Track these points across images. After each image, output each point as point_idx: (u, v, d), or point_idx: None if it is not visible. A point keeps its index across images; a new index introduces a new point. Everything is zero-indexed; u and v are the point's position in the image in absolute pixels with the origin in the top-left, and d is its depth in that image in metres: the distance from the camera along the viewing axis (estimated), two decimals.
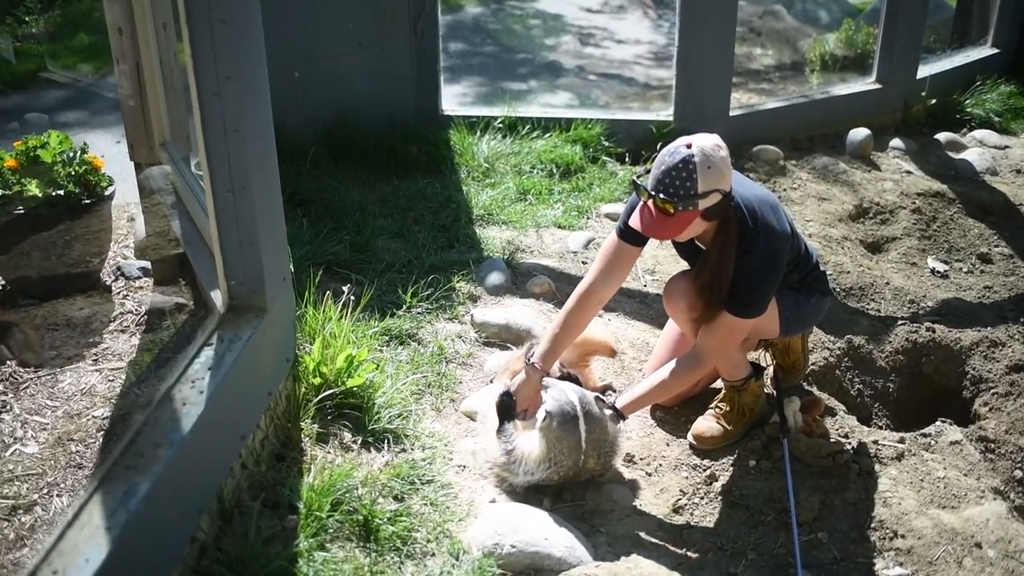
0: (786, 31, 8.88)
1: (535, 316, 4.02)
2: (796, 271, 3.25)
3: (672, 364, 3.15)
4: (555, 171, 5.45)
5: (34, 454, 2.95)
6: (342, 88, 5.59)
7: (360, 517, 2.62)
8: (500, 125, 5.81)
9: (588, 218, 5.04)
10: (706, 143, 2.82)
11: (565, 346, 3.22)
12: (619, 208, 5.15)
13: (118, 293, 4.05)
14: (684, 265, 3.45)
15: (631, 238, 3.12)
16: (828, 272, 3.56)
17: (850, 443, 3.40)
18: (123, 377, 3.44)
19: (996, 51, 7.87)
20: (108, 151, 5.43)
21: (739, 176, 3.07)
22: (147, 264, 4.16)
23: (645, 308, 4.26)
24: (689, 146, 2.80)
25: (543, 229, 4.84)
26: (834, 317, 4.33)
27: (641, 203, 2.93)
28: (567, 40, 9.62)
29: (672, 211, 2.81)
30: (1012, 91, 7.51)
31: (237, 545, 2.39)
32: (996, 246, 5.51)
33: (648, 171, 2.94)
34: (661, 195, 2.80)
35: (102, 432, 3.11)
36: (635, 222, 2.93)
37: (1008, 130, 7.17)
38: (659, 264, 4.61)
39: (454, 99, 6.55)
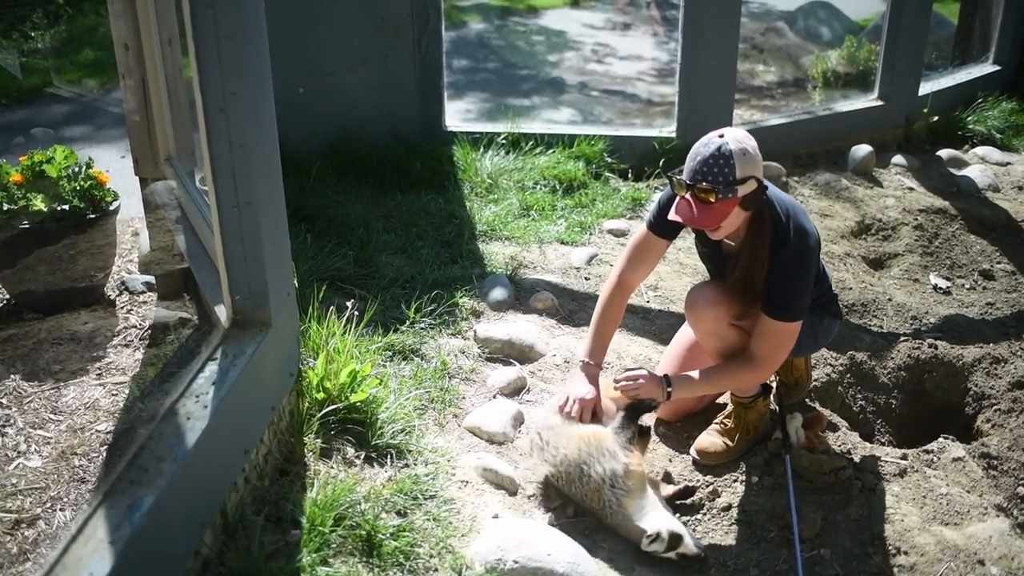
0: (788, 48, 8.93)
1: (538, 332, 4.02)
2: (814, 289, 3.26)
3: (729, 363, 3.20)
4: (558, 187, 5.46)
5: (38, 468, 2.96)
6: (346, 104, 5.62)
7: (363, 532, 2.62)
8: (503, 141, 5.83)
9: (591, 234, 5.05)
10: (737, 132, 2.93)
11: (609, 337, 3.34)
12: (622, 224, 5.16)
13: (122, 307, 4.07)
14: (689, 282, 3.46)
15: (661, 231, 3.22)
16: (836, 293, 3.57)
17: (852, 459, 3.40)
18: (127, 391, 3.45)
19: (997, 68, 7.89)
20: (113, 166, 5.47)
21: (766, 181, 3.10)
22: (151, 279, 4.18)
23: (648, 324, 4.27)
24: (721, 135, 2.90)
25: (546, 245, 4.85)
26: (837, 333, 4.33)
27: (679, 198, 2.97)
28: (570, 56, 9.66)
29: (713, 199, 2.87)
30: (1014, 108, 7.52)
31: (240, 559, 2.39)
32: (998, 262, 5.52)
33: (679, 170, 2.99)
34: (704, 183, 2.86)
35: (106, 446, 3.12)
36: (675, 215, 2.97)
37: (1010, 147, 7.18)
38: (661, 280, 4.62)
39: (458, 115, 6.58)
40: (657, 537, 2.85)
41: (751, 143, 2.92)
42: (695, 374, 3.19)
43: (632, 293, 3.43)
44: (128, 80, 4.13)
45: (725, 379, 3.24)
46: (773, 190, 3.09)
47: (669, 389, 3.13)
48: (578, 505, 3.05)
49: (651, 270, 3.42)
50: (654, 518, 2.91)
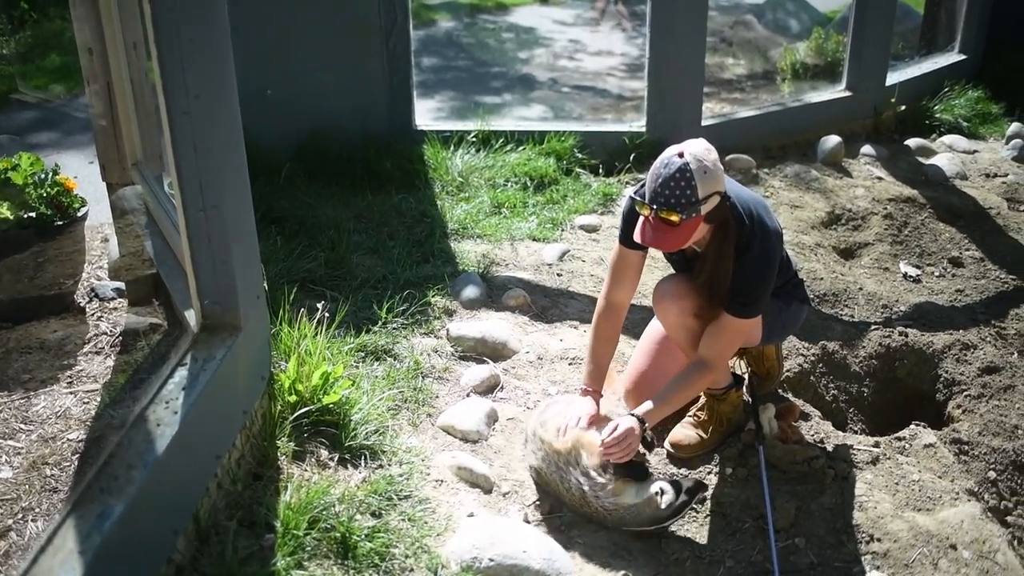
0: (757, 41, 8.95)
1: (511, 329, 4.02)
2: (779, 277, 3.28)
3: (682, 374, 3.17)
4: (529, 184, 5.47)
5: (8, 479, 2.93)
6: (315, 105, 5.60)
7: (338, 534, 2.62)
8: (474, 139, 5.82)
9: (563, 230, 5.06)
10: (696, 148, 2.86)
11: (606, 360, 3.30)
12: (594, 219, 5.17)
13: (92, 315, 4.04)
14: (660, 276, 3.47)
15: (632, 244, 3.13)
16: (802, 279, 3.60)
17: (825, 448, 3.42)
18: (98, 399, 3.42)
19: (963, 57, 7.97)
20: (81, 172, 5.43)
21: (728, 179, 3.09)
22: (121, 285, 4.15)
23: None
24: (681, 155, 2.83)
25: (518, 242, 4.86)
26: (808, 323, 4.36)
27: (642, 219, 2.94)
28: (540, 53, 9.65)
29: (677, 221, 2.83)
30: (980, 96, 7.60)
31: (214, 565, 2.38)
32: (967, 250, 5.57)
33: (640, 184, 2.96)
34: (665, 207, 2.82)
35: (77, 455, 3.09)
36: (639, 237, 2.94)
37: (976, 135, 7.25)
38: None
39: (428, 114, 6.57)
40: (662, 492, 2.93)
41: (711, 158, 2.87)
42: (658, 400, 3.11)
43: (625, 311, 3.34)
44: (93, 85, 4.09)
45: (686, 389, 3.17)
46: (734, 188, 3.08)
47: (645, 426, 3.04)
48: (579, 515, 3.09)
49: (636, 284, 3.32)
50: (648, 486, 2.97)
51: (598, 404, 3.21)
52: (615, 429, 2.97)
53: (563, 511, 3.05)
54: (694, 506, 3.10)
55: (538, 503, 3.09)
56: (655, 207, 2.84)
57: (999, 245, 5.60)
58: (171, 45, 2.48)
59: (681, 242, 2.91)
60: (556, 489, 3.08)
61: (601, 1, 10.09)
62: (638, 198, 2.93)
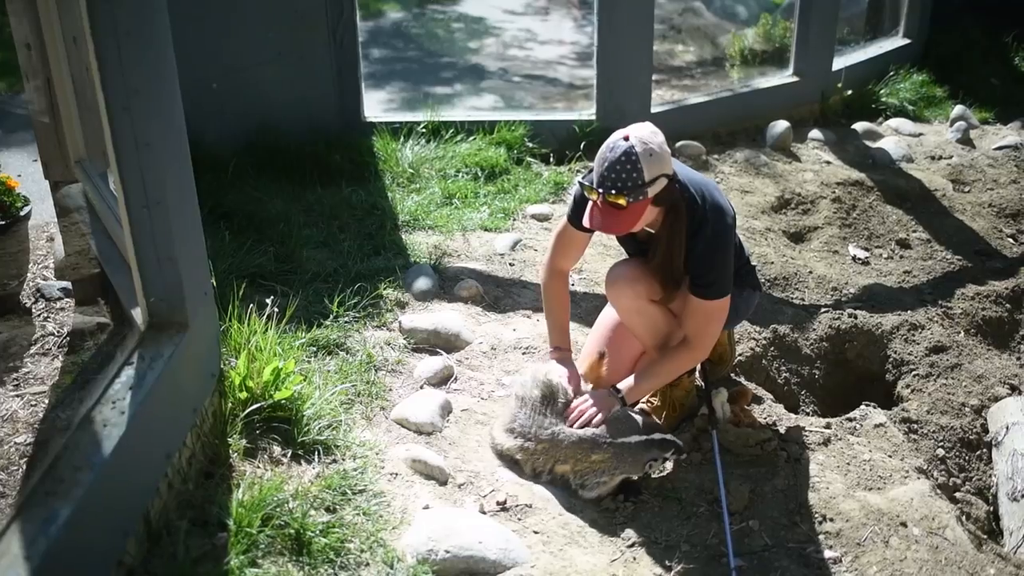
0: (706, 27, 8.99)
1: (464, 320, 4.02)
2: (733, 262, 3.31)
3: (668, 352, 3.24)
4: (480, 174, 5.45)
5: None
6: (262, 98, 5.54)
7: (292, 531, 2.60)
8: (424, 130, 5.80)
9: (514, 220, 5.06)
10: (642, 132, 2.89)
11: (565, 320, 3.44)
12: (545, 208, 5.18)
13: (38, 315, 3.97)
14: (611, 261, 3.48)
15: (580, 226, 3.19)
16: (755, 265, 3.63)
17: (778, 431, 3.46)
18: (46, 401, 3.37)
19: (907, 41, 8.07)
20: (25, 170, 5.33)
21: (678, 163, 3.12)
22: (68, 284, 4.08)
23: (573, 307, 4.26)
24: (627, 138, 2.86)
25: (469, 232, 4.85)
26: (759, 307, 4.39)
27: (590, 204, 2.96)
28: (491, 43, 9.63)
29: (624, 204, 2.86)
30: (924, 80, 7.71)
31: (166, 566, 2.35)
32: (914, 231, 5.64)
33: (589, 170, 2.98)
34: (612, 191, 2.85)
35: (25, 459, 3.04)
36: (588, 222, 2.97)
37: (922, 118, 7.35)
38: (586, 263, 4.64)
39: (379, 105, 6.52)
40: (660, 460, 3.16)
41: (657, 140, 2.90)
42: (640, 376, 3.23)
43: (568, 274, 3.49)
44: (33, 81, 4.01)
45: (668, 367, 3.23)
46: (685, 172, 3.11)
47: (621, 396, 3.19)
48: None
49: (579, 256, 3.47)
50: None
51: (570, 360, 3.36)
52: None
53: (518, 499, 3.05)
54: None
55: (493, 492, 3.09)
56: (602, 191, 2.87)
57: (945, 226, 5.69)
58: (108, 38, 2.43)
59: (629, 225, 2.93)
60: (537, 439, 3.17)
61: None
62: (586, 183, 2.95)
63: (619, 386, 3.21)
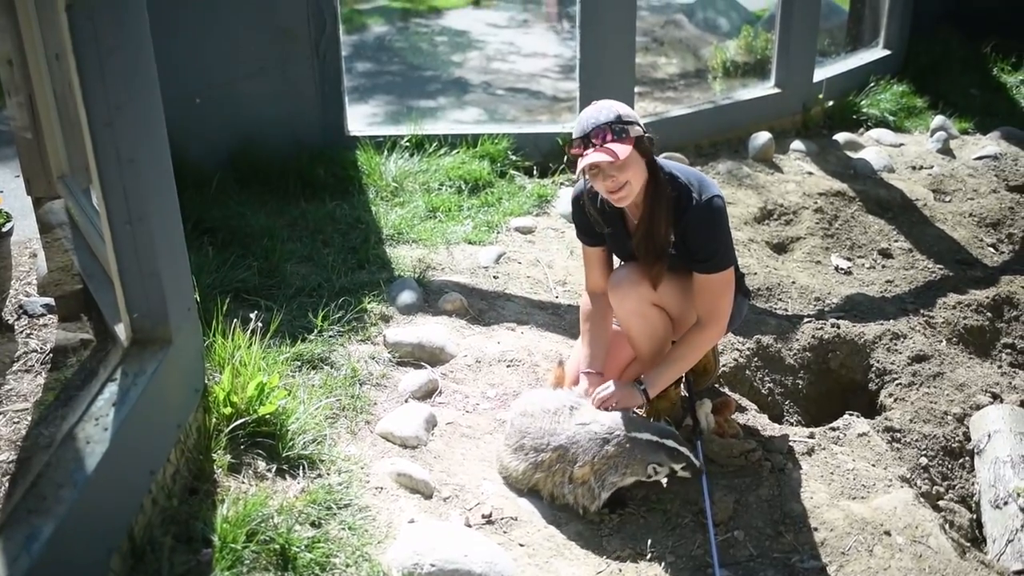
0: (688, 40, 9.05)
1: (448, 333, 4.02)
2: None
3: (684, 338, 3.31)
4: (464, 187, 5.47)
5: None
6: (245, 113, 5.54)
7: (277, 546, 2.59)
8: (407, 144, 5.80)
9: (498, 233, 5.07)
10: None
11: (605, 341, 3.45)
12: (529, 221, 5.20)
13: (21, 332, 3.95)
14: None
15: (589, 241, 3.43)
16: (743, 272, 3.65)
17: (762, 441, 3.47)
18: (29, 418, 3.35)
19: (888, 52, 8.13)
20: (8, 187, 5.30)
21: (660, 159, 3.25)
22: (51, 301, 4.06)
23: (557, 319, 4.30)
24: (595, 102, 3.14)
25: (453, 246, 4.85)
26: (745, 318, 4.42)
27: (581, 160, 3.06)
28: (474, 56, 9.66)
29: (610, 137, 3.01)
30: (904, 90, 7.77)
31: None
32: (896, 241, 5.68)
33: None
34: (595, 128, 3.02)
35: (7, 477, 3.02)
36: (583, 172, 3.10)
37: (902, 128, 7.40)
38: (570, 275, 4.66)
39: (363, 119, 6.54)
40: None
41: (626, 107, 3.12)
42: (661, 365, 3.30)
43: (606, 297, 3.45)
44: (15, 97, 4.00)
45: (687, 351, 3.30)
46: (665, 162, 3.23)
47: (643, 388, 3.25)
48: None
49: (609, 270, 3.50)
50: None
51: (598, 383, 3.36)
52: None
53: (504, 512, 3.06)
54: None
55: (479, 506, 3.09)
56: (590, 134, 3.04)
57: (926, 236, 5.73)
58: (89, 54, 2.44)
59: (618, 156, 2.99)
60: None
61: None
62: (573, 141, 3.14)
63: (641, 377, 3.28)
